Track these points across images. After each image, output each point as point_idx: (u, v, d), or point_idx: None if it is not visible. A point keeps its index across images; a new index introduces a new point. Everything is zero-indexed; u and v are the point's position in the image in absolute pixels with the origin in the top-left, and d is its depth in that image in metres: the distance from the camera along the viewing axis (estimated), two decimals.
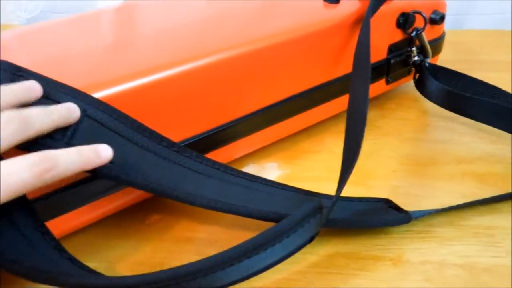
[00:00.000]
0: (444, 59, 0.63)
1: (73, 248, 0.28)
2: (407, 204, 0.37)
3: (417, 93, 0.54)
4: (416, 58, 0.47)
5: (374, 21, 0.41)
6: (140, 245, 0.34)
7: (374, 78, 0.47)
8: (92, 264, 0.29)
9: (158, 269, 0.26)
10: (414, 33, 0.46)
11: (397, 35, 0.46)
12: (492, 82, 0.55)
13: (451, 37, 0.70)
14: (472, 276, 0.30)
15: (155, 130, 0.31)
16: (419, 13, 0.45)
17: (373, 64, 0.44)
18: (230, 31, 0.39)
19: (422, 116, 0.50)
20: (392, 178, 0.40)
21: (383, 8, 0.43)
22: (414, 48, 0.47)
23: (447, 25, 0.76)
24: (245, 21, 0.42)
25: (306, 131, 0.46)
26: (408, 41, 0.47)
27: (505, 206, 0.36)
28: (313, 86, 0.42)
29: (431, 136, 0.46)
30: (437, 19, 0.47)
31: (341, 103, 0.43)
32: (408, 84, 0.56)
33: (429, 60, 0.48)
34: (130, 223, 0.36)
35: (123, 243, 0.35)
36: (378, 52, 0.46)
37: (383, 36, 0.45)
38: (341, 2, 0.43)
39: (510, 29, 0.71)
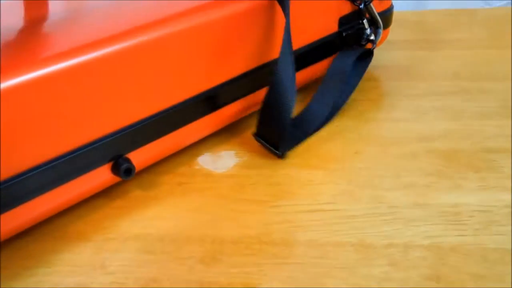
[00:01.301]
0: (408, 39, 0.62)
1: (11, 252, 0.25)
2: (371, 185, 0.35)
3: (378, 72, 0.52)
4: (367, 30, 0.46)
5: None
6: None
7: (328, 53, 0.46)
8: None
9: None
10: (362, 5, 0.45)
11: (347, 8, 0.45)
12: (454, 59, 0.54)
13: (414, 18, 0.70)
14: (439, 256, 0.29)
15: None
16: None
17: (324, 38, 0.44)
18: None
19: (383, 96, 0.48)
20: (355, 159, 0.38)
21: None
22: (365, 21, 0.46)
23: (410, 7, 0.76)
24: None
25: None
26: (358, 13, 0.46)
27: (471, 183, 0.34)
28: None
29: (394, 115, 0.44)
30: None
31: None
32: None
33: (381, 31, 0.48)
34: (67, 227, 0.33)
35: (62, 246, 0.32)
36: (328, 25, 0.45)
37: (332, 9, 0.44)
38: None
39: (470, 8, 0.71)
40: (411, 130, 0.41)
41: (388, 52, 0.58)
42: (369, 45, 0.47)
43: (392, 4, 0.52)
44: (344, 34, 0.46)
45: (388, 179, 0.35)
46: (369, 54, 0.46)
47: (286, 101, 0.36)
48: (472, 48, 0.57)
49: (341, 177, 0.36)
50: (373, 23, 0.48)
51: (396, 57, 0.57)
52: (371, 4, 0.46)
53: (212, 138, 0.42)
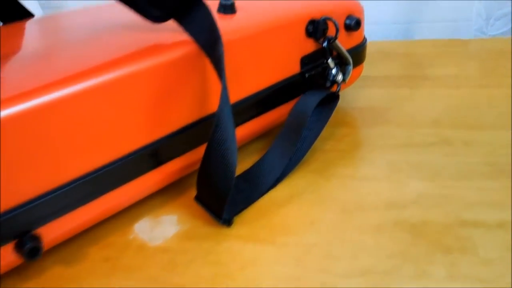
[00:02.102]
0: (391, 74, 0.57)
1: None
2: (322, 269, 0.30)
3: (352, 116, 0.47)
4: (333, 70, 0.42)
5: (282, 30, 0.38)
6: None
7: (290, 97, 0.41)
8: None
9: None
10: (325, 43, 0.40)
11: (310, 46, 0.41)
12: (438, 100, 0.49)
13: (399, 49, 0.65)
14: None
15: None
16: (329, 19, 0.40)
17: (284, 80, 0.40)
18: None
19: (353, 146, 0.43)
20: (309, 231, 0.33)
21: (291, 16, 0.39)
22: (330, 60, 0.41)
23: (397, 35, 0.71)
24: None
25: None
26: (322, 52, 0.41)
27: (439, 269, 0.29)
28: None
29: (362, 172, 0.39)
30: (352, 25, 0.42)
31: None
32: (343, 106, 0.49)
33: (351, 69, 0.44)
34: None
35: None
36: (289, 66, 0.40)
37: (293, 48, 0.40)
38: (238, 12, 0.37)
39: (462, 38, 0.65)
40: (380, 192, 0.36)
41: (366, 90, 0.53)
42: (335, 87, 0.42)
43: (365, 38, 0.47)
44: (306, 75, 0.41)
45: (343, 262, 0.30)
46: (334, 97, 0.41)
47: (226, 158, 0.31)
48: (459, 86, 0.52)
49: (289, 256, 0.31)
50: (343, 61, 0.43)
51: (375, 96, 0.51)
52: (337, 41, 0.41)
53: (154, 199, 0.37)
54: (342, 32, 0.43)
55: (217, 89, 0.32)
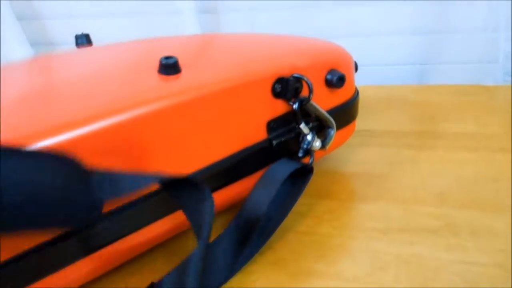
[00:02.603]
0: (396, 129, 0.48)
1: None
2: None
3: (342, 185, 0.39)
4: (308, 136, 0.34)
5: (240, 91, 0.31)
6: None
7: (256, 167, 0.34)
8: None
9: None
10: (296, 104, 0.33)
11: (279, 107, 0.33)
12: (447, 166, 0.41)
13: (410, 95, 0.56)
14: None
15: None
16: (300, 78, 0.32)
17: (249, 148, 0.33)
18: None
19: (334, 229, 0.35)
20: None
21: (252, 73, 0.32)
22: (303, 125, 0.34)
23: (410, 78, 0.62)
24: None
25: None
26: (293, 115, 0.34)
27: None
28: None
29: (338, 268, 0.31)
30: (334, 81, 0.35)
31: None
32: (332, 168, 0.41)
33: (334, 133, 0.36)
34: None
35: None
36: (253, 132, 0.33)
37: (257, 110, 0.32)
38: (182, 72, 0.30)
39: (486, 84, 0.56)
40: None
41: (363, 149, 0.45)
42: (307, 159, 0.35)
43: (356, 92, 0.40)
44: (274, 142, 0.33)
45: None
46: (305, 172, 0.33)
47: None
48: (477, 149, 0.43)
49: None
50: (325, 123, 0.36)
51: (372, 158, 0.43)
52: (312, 102, 0.33)
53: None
54: (323, 89, 0.35)
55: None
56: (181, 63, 0.30)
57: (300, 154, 0.34)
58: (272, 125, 0.33)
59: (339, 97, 0.37)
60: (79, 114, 0.25)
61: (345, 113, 0.38)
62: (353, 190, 0.39)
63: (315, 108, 0.34)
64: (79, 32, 0.44)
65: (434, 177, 0.39)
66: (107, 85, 0.29)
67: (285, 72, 0.32)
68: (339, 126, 0.37)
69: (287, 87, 0.32)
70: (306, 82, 0.32)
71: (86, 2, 0.68)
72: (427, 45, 0.61)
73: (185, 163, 0.30)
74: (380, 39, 0.61)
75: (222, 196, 0.33)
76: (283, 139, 0.34)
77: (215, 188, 0.32)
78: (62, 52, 0.39)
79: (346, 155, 0.44)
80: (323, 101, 0.35)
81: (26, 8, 0.70)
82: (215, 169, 0.31)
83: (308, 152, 0.34)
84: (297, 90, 0.33)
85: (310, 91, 0.32)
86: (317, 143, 0.35)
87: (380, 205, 0.37)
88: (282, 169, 0.32)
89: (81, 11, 0.70)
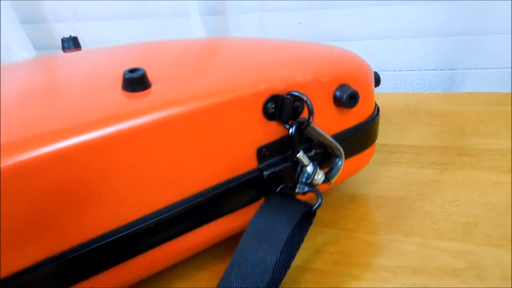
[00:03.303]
0: (417, 143, 0.43)
1: None
2: None
3: (351, 211, 0.34)
4: (308, 168, 0.28)
5: (228, 109, 0.26)
6: None
7: (244, 202, 0.28)
8: None
9: None
10: (293, 128, 0.27)
11: (272, 131, 0.28)
12: (476, 190, 0.35)
13: (437, 105, 0.50)
14: None
15: None
16: (298, 96, 0.26)
17: (234, 179, 0.27)
18: None
19: (336, 277, 0.29)
20: None
21: (242, 87, 0.26)
22: (301, 154, 0.28)
23: (437, 85, 0.56)
24: None
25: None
26: (289, 141, 0.28)
27: None
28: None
29: None
30: (344, 99, 0.28)
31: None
32: (341, 190, 0.36)
33: (342, 163, 0.30)
34: None
35: None
36: (239, 160, 0.27)
37: (244, 134, 0.27)
38: (152, 87, 0.25)
39: None
40: None
41: (379, 167, 0.39)
42: (309, 195, 0.28)
43: (377, 109, 0.34)
44: (265, 173, 0.28)
45: None
46: (306, 216, 0.27)
47: None
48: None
49: None
50: (329, 151, 0.30)
51: (387, 178, 0.38)
52: (313, 126, 0.27)
53: None
54: (330, 108, 0.29)
55: None
56: (153, 75, 0.25)
57: (297, 190, 0.28)
58: (264, 152, 0.28)
59: (353, 117, 0.31)
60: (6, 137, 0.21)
61: (361, 137, 0.32)
62: (361, 217, 0.34)
63: (317, 133, 0.28)
64: (69, 35, 0.40)
65: (458, 204, 0.34)
66: (52, 103, 0.25)
67: (280, 88, 0.27)
68: (353, 152, 0.31)
69: (282, 106, 0.27)
70: (306, 102, 0.26)
71: (92, 3, 0.65)
72: (457, 48, 0.54)
73: (149, 199, 0.25)
74: (403, 42, 0.55)
75: (202, 236, 0.27)
76: (276, 169, 0.28)
77: (193, 226, 0.27)
78: (26, 60, 0.35)
79: (356, 174, 0.38)
80: (331, 123, 0.30)
81: (30, 11, 0.67)
82: (191, 204, 0.26)
83: (308, 187, 0.28)
84: (296, 111, 0.27)
85: (310, 113, 0.27)
86: (320, 176, 0.28)
87: (392, 237, 0.31)
88: (283, 222, 0.26)
89: (87, 13, 0.67)
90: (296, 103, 0.27)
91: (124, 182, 0.23)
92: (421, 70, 0.56)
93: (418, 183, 0.37)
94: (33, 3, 0.67)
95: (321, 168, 0.29)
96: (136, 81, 0.24)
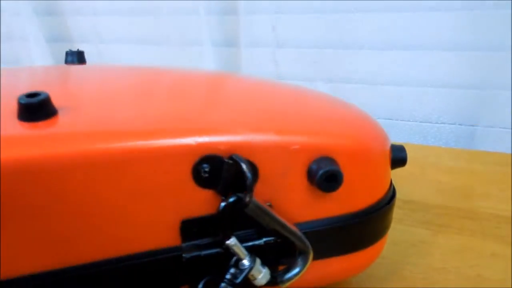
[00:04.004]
0: (417, 200, 0.38)
1: None
2: None
3: None
4: (245, 261, 0.21)
5: (144, 159, 0.19)
6: None
7: None
8: None
9: None
10: (223, 204, 0.20)
11: (206, 203, 0.21)
12: (470, 260, 0.30)
13: (450, 161, 0.46)
14: None
15: None
16: (238, 161, 0.20)
17: (144, 254, 0.21)
18: None
19: None
20: None
21: (169, 133, 0.20)
22: (232, 240, 0.20)
23: (457, 140, 0.51)
24: None
25: None
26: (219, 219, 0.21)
27: None
28: None
29: None
30: (317, 179, 0.21)
31: None
32: None
33: (306, 263, 0.22)
34: None
35: None
36: (159, 232, 0.21)
37: (166, 199, 0.20)
38: (59, 116, 0.20)
39: None
40: None
41: None
42: None
43: (392, 194, 0.26)
44: (185, 256, 0.21)
45: None
46: None
47: None
48: None
49: None
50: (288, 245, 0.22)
51: None
52: (260, 206, 0.20)
53: None
54: (302, 187, 0.22)
55: None
56: (62, 102, 0.21)
57: None
58: (190, 228, 0.21)
59: (343, 202, 0.23)
60: None
61: (358, 230, 0.24)
62: None
63: (266, 217, 0.21)
64: (74, 49, 0.38)
65: (445, 273, 0.29)
66: None
67: (221, 147, 0.20)
68: (343, 250, 0.24)
69: (219, 172, 0.20)
70: (244, 172, 0.19)
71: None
72: (479, 102, 0.50)
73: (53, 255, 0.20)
74: (421, 91, 0.52)
75: None
76: (202, 253, 0.21)
77: None
78: None
79: None
80: (303, 207, 0.22)
81: (46, 3, 0.68)
82: (80, 274, 0.20)
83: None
84: (245, 179, 0.19)
85: (249, 188, 0.19)
86: (260, 276, 0.21)
87: None
88: None
89: (109, 36, 0.68)
90: (228, 170, 0.20)
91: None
92: (437, 123, 0.52)
93: (404, 243, 0.32)
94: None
95: (277, 263, 0.22)
96: (35, 109, 0.20)
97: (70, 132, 0.20)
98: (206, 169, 0.20)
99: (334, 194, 0.22)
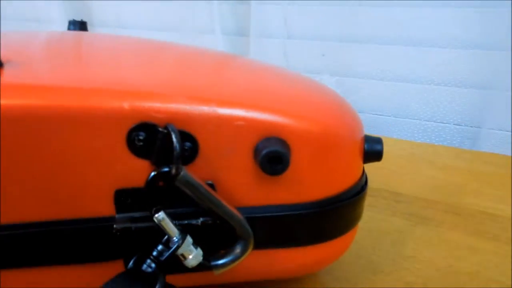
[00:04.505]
0: (408, 193, 0.38)
1: None
2: None
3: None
4: (175, 238, 0.20)
5: (77, 118, 0.19)
6: None
7: (73, 257, 0.21)
8: None
9: None
10: (152, 174, 0.19)
11: (142, 174, 0.20)
12: (451, 252, 0.29)
13: (448, 160, 0.44)
14: None
15: None
16: (171, 131, 0.19)
17: (73, 221, 0.20)
18: None
19: None
20: None
21: (106, 95, 0.19)
22: (160, 214, 0.19)
23: (461, 141, 0.49)
24: None
25: None
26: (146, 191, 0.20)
27: None
28: None
29: None
30: (260, 159, 0.19)
31: None
32: None
33: (246, 250, 0.21)
34: None
35: None
36: (91, 201, 0.20)
37: (99, 166, 0.20)
38: (3, 69, 0.20)
39: None
40: None
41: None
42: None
43: (365, 182, 0.25)
44: (116, 227, 0.20)
45: None
46: None
47: None
48: (497, 238, 0.31)
49: None
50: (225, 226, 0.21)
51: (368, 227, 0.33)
52: (191, 179, 0.19)
53: None
54: (249, 167, 0.21)
55: None
56: (13, 58, 0.21)
57: (143, 266, 0.20)
58: (124, 199, 0.20)
59: (294, 190, 0.21)
60: None
61: (316, 221, 0.22)
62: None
63: (199, 193, 0.19)
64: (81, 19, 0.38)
65: (413, 262, 0.28)
66: None
67: (158, 115, 0.19)
68: (303, 242, 0.22)
69: (153, 141, 0.19)
70: (172, 142, 0.19)
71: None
72: (484, 103, 0.48)
73: None
74: (427, 88, 0.51)
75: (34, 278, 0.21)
76: (133, 227, 0.20)
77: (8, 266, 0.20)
78: None
79: None
80: (252, 190, 0.21)
81: None
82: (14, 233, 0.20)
83: (156, 265, 0.20)
84: (173, 150, 0.19)
85: (176, 158, 0.19)
86: (191, 256, 0.20)
87: (324, 280, 0.27)
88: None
89: (126, 22, 0.69)
90: (161, 140, 0.19)
91: None
92: (442, 122, 0.51)
93: (379, 231, 0.32)
94: None
95: (217, 247, 0.21)
96: None
97: (6, 84, 0.19)
98: (141, 137, 0.19)
99: (284, 180, 0.20)
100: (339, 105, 0.24)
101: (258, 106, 0.20)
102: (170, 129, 0.19)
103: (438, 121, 0.51)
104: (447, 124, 0.51)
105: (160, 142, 0.19)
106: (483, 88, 0.48)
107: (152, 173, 0.19)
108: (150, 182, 0.19)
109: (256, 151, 0.20)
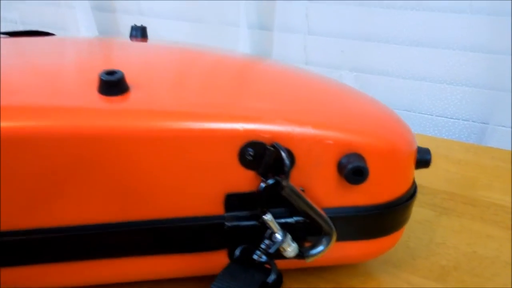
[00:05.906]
0: (425, 185, 0.43)
1: None
2: None
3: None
4: (278, 235, 0.24)
5: (196, 139, 0.24)
6: None
7: (199, 247, 0.26)
8: None
9: None
10: (263, 185, 0.24)
11: (248, 181, 0.25)
12: (471, 239, 0.34)
13: (459, 155, 0.50)
14: None
15: None
16: (278, 149, 0.23)
17: (190, 219, 0.25)
18: None
19: None
20: None
21: (220, 118, 0.24)
22: (268, 216, 0.24)
23: (468, 136, 0.54)
24: None
25: None
26: (260, 197, 0.25)
27: None
28: None
29: None
30: (346, 172, 0.24)
31: None
32: None
33: (330, 243, 0.25)
34: None
35: None
36: (206, 202, 0.25)
37: (215, 175, 0.25)
38: (130, 93, 0.25)
39: None
40: None
41: None
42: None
43: (414, 190, 0.29)
44: (227, 225, 0.25)
45: None
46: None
47: None
48: (509, 227, 0.36)
49: None
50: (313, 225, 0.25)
51: None
52: (293, 189, 0.24)
53: None
54: (332, 177, 0.25)
55: None
56: (135, 80, 0.25)
57: (254, 256, 0.24)
58: (232, 201, 0.25)
59: (368, 194, 0.26)
60: None
61: (379, 220, 0.27)
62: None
63: (298, 199, 0.24)
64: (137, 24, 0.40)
65: (444, 248, 0.34)
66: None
67: (265, 135, 0.24)
68: (365, 235, 0.27)
69: (261, 157, 0.24)
70: (283, 159, 0.23)
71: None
72: (492, 102, 0.54)
73: (94, 209, 0.24)
74: (439, 87, 0.56)
75: (144, 267, 0.27)
76: (241, 224, 0.25)
77: (143, 251, 0.26)
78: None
79: None
80: (331, 194, 0.26)
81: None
82: (141, 228, 0.25)
83: (267, 257, 0.24)
84: (284, 165, 0.23)
85: (286, 173, 0.23)
86: (290, 249, 0.25)
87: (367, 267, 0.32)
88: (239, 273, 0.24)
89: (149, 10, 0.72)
90: (269, 156, 0.24)
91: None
92: (452, 118, 0.56)
93: (411, 220, 0.36)
94: None
95: (305, 239, 0.26)
96: (114, 85, 0.24)
97: (137, 109, 0.24)
98: (251, 153, 0.24)
99: (359, 187, 0.25)
100: (397, 121, 0.29)
101: (342, 128, 0.26)
102: (278, 147, 0.23)
103: (449, 116, 0.56)
104: (456, 120, 0.56)
105: (268, 157, 0.24)
106: (490, 88, 0.53)
107: (263, 185, 0.24)
108: (263, 191, 0.24)
109: (340, 164, 0.25)
